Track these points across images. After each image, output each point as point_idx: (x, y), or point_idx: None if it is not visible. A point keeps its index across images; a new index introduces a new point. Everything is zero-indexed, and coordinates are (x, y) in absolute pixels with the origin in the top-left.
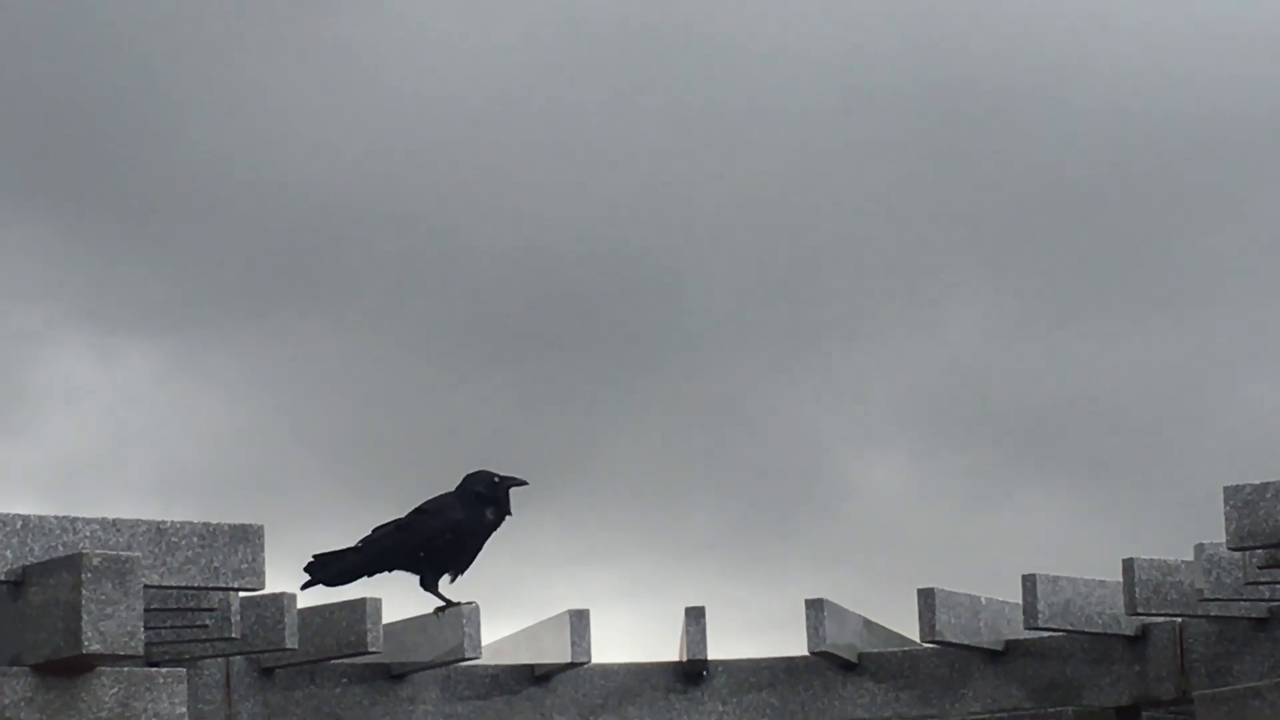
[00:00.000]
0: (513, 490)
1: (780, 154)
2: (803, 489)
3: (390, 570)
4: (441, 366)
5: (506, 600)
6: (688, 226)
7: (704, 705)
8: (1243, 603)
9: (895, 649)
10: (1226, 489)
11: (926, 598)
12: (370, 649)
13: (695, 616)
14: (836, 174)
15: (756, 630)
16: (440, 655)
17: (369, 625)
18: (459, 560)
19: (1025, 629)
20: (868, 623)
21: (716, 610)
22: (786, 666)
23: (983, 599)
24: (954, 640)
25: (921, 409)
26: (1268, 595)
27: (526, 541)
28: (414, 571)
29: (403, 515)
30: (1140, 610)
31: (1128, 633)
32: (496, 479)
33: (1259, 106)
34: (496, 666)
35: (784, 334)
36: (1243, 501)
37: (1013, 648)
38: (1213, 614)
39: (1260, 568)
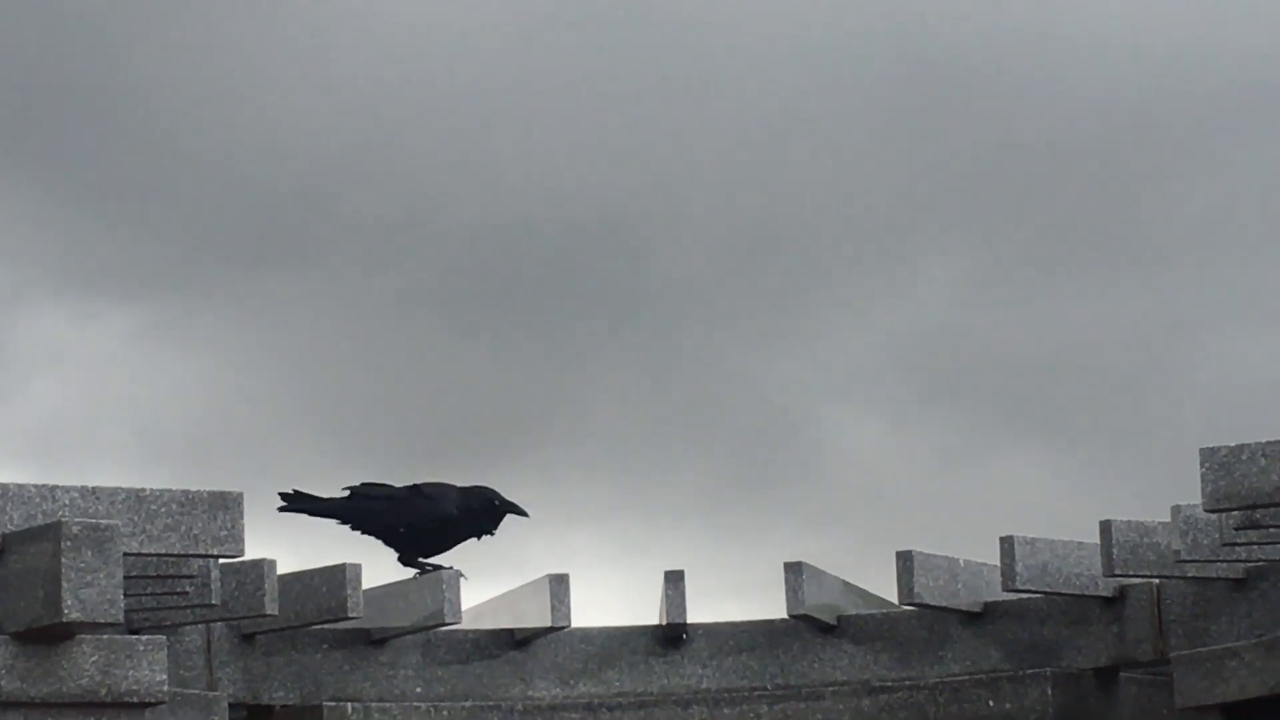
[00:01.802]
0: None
1: (756, 115)
2: (782, 450)
3: (364, 533)
4: (420, 330)
5: (486, 564)
6: (665, 188)
7: (683, 668)
8: (1220, 564)
9: (874, 611)
10: (1203, 450)
11: (905, 560)
12: (350, 614)
13: (674, 580)
14: (814, 134)
15: (736, 593)
16: (420, 620)
17: (349, 591)
18: (433, 547)
19: (1003, 591)
20: (846, 585)
21: (696, 573)
22: (766, 629)
23: (961, 561)
24: (932, 602)
25: (900, 369)
26: (1244, 556)
27: None
28: (387, 542)
29: (397, 485)
30: (1118, 572)
31: (1105, 594)
32: (497, 502)
33: (1235, 67)
34: (476, 631)
35: (763, 295)
36: (1219, 463)
37: (991, 610)
38: (1190, 575)
39: (1236, 529)
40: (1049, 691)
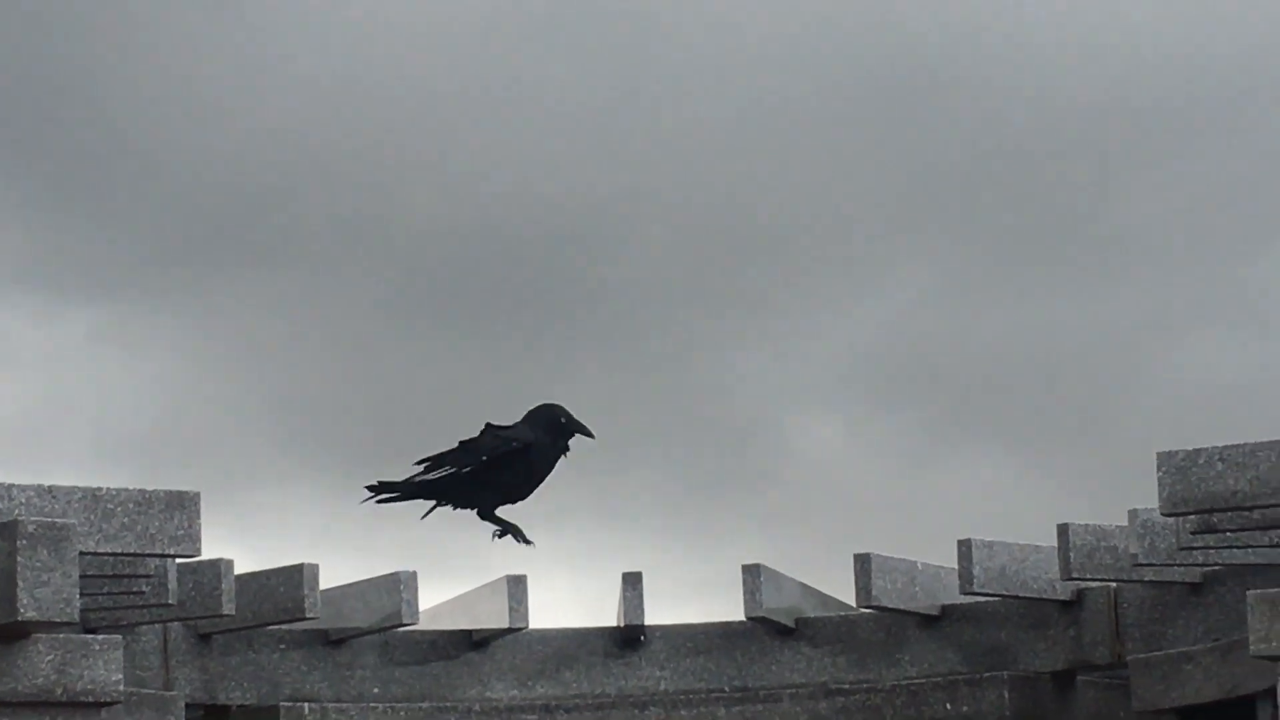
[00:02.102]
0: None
1: (721, 116)
2: (742, 453)
3: (450, 500)
4: (377, 329)
5: (446, 565)
6: (627, 188)
7: (641, 670)
8: (1176, 568)
9: (832, 614)
10: (1159, 455)
11: (863, 563)
12: (308, 615)
13: (632, 582)
14: (778, 135)
15: (695, 595)
16: (378, 621)
17: (307, 591)
18: (520, 484)
19: (961, 594)
20: (804, 588)
21: (655, 575)
22: (723, 631)
23: (919, 564)
24: (890, 605)
25: (860, 372)
26: (1201, 560)
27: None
28: (470, 500)
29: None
30: (1075, 575)
31: (1063, 598)
32: (564, 419)
33: (1192, 76)
34: (434, 632)
35: (725, 298)
36: (1175, 467)
37: (949, 613)
38: (1147, 579)
39: (1193, 533)
40: (1006, 694)
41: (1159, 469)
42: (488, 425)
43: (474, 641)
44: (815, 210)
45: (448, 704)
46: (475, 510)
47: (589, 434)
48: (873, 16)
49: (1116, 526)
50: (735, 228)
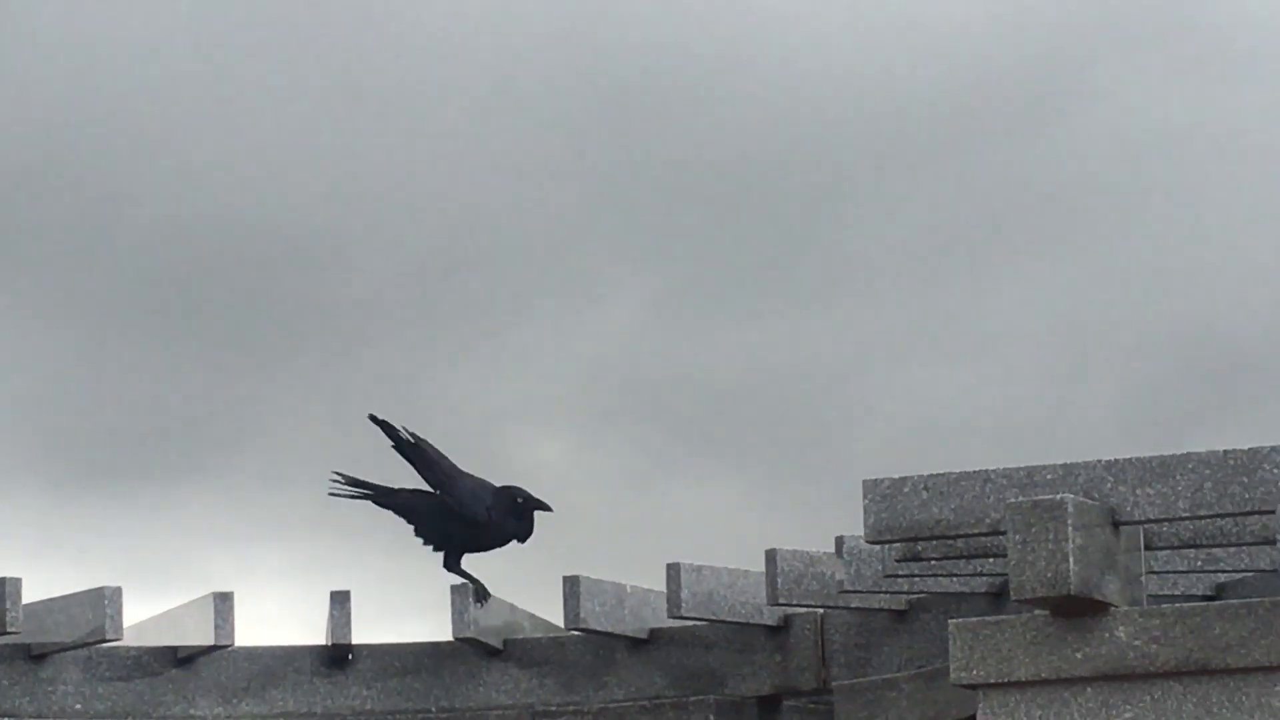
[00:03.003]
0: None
1: (444, 131)
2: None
3: (417, 525)
4: (98, 339)
5: (161, 579)
6: (351, 201)
7: (348, 689)
8: (882, 595)
9: (540, 635)
10: (865, 482)
11: (572, 585)
12: (9, 629)
13: (340, 601)
14: (502, 152)
15: (405, 614)
16: (81, 636)
17: (8, 605)
18: (467, 546)
19: (669, 617)
20: (513, 608)
21: (367, 593)
22: (431, 651)
23: (628, 587)
24: (598, 628)
25: (584, 391)
26: (906, 588)
27: (186, 520)
28: (432, 538)
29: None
30: (782, 601)
31: (770, 623)
32: (519, 500)
33: (919, 99)
34: (139, 648)
35: (450, 313)
36: (881, 495)
37: (657, 636)
38: (853, 605)
39: (898, 561)
40: (712, 718)
41: (865, 496)
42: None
43: (179, 658)
44: (539, 226)
45: None
46: (442, 558)
47: (547, 508)
48: (600, 28)
49: (824, 553)
50: (457, 243)
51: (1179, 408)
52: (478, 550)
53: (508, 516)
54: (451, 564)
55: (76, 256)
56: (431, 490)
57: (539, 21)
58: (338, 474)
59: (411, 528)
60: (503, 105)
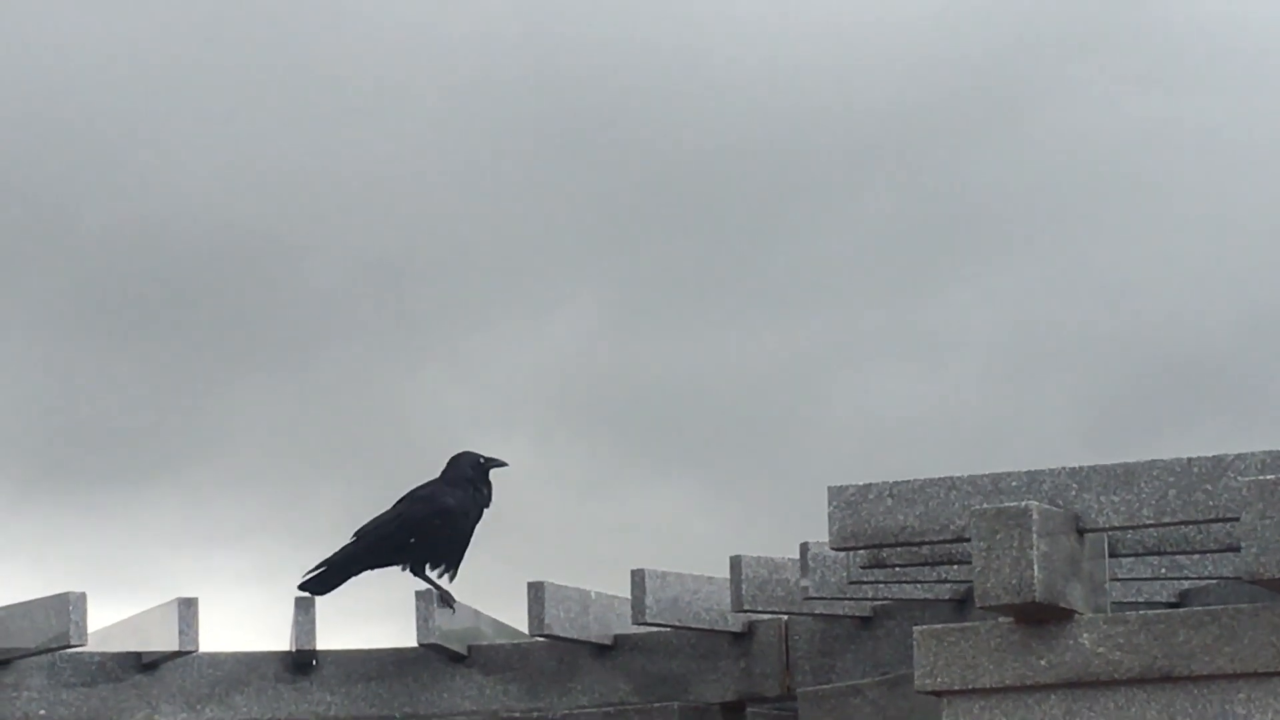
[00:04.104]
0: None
1: (401, 136)
2: (420, 476)
3: (383, 565)
4: (59, 343)
5: (124, 584)
6: (309, 207)
7: (312, 695)
8: (846, 602)
9: (505, 641)
10: (830, 489)
11: (536, 591)
12: None
13: (305, 606)
14: (458, 158)
15: (369, 620)
16: (45, 641)
17: None
18: (451, 550)
19: (634, 624)
20: (478, 615)
21: (330, 598)
22: (395, 658)
23: (592, 593)
24: (563, 634)
25: (543, 396)
26: (870, 595)
27: (148, 525)
28: (404, 562)
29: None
30: (746, 607)
31: (734, 629)
32: (481, 460)
33: (871, 107)
34: (103, 654)
35: (408, 319)
36: (845, 502)
37: (621, 642)
38: (818, 612)
39: (863, 568)
40: None
41: (830, 503)
42: (409, 496)
43: (143, 664)
44: (496, 234)
45: None
46: (405, 567)
47: (502, 463)
48: (549, 44)
49: (788, 559)
50: (415, 250)
51: (1140, 414)
52: (468, 533)
53: (475, 484)
54: (419, 570)
55: (33, 261)
56: (390, 521)
57: (494, 35)
58: (303, 584)
59: (398, 568)
60: (459, 115)
